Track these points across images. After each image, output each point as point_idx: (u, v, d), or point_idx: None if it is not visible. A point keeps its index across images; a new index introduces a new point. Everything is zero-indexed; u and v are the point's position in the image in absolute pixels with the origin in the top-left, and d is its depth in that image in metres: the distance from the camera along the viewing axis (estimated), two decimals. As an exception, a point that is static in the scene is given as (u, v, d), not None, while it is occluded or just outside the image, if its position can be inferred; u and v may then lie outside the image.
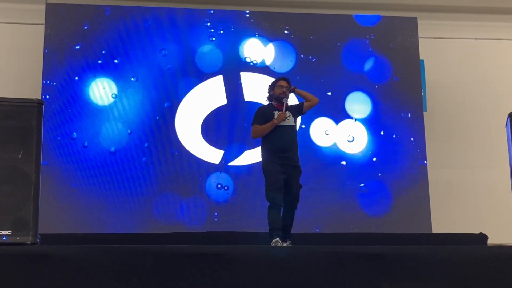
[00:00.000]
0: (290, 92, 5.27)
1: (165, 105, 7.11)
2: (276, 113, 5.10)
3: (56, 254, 3.51)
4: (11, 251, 3.52)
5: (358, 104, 7.33)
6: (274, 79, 5.40)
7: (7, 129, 3.92)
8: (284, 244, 4.81)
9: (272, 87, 5.27)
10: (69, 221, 6.63)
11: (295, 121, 5.21)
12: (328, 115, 7.17)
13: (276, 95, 5.20)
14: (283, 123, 5.07)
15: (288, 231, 5.03)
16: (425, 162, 7.26)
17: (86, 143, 6.91)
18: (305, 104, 5.31)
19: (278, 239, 4.76)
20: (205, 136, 7.07)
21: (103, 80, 7.04)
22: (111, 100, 7.02)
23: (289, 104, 5.21)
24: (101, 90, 7.02)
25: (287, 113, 5.10)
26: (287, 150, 5.04)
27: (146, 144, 7.00)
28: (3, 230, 3.79)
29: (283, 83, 5.23)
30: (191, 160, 7.00)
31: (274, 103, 5.23)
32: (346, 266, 3.68)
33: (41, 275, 3.43)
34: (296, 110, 5.28)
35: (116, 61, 7.11)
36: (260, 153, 5.18)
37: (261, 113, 5.18)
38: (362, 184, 7.14)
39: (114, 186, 6.85)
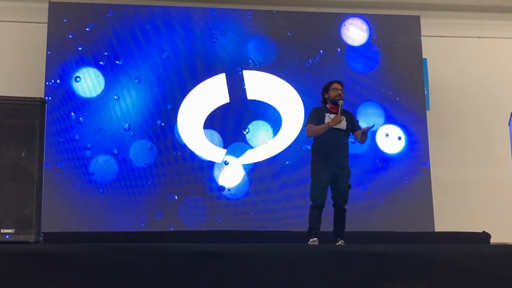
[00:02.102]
0: (367, 131, 5.17)
1: (168, 106, 7.10)
2: (328, 116, 5.11)
3: (59, 252, 3.52)
4: (14, 250, 3.53)
5: (361, 105, 7.29)
6: (328, 82, 5.32)
7: (10, 128, 3.93)
8: (337, 244, 4.89)
9: (326, 90, 5.26)
10: (72, 220, 6.63)
11: (347, 129, 5.17)
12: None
13: (332, 97, 5.19)
14: (336, 126, 5.07)
15: (340, 231, 5.09)
16: (428, 163, 7.23)
17: (88, 145, 6.90)
18: (358, 138, 5.21)
19: (316, 238, 4.84)
20: (208, 135, 7.07)
21: (105, 81, 7.04)
22: (114, 101, 7.02)
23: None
24: (103, 92, 7.02)
25: (342, 116, 5.11)
26: (335, 152, 5.07)
27: (149, 145, 7.00)
28: (6, 229, 3.80)
29: (338, 86, 5.23)
30: (193, 159, 7.00)
31: (328, 105, 5.23)
32: (349, 265, 3.69)
33: (44, 273, 3.45)
34: (351, 124, 5.22)
35: (118, 62, 7.11)
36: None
37: (315, 113, 5.21)
38: (364, 186, 7.13)
39: (116, 187, 6.84)
